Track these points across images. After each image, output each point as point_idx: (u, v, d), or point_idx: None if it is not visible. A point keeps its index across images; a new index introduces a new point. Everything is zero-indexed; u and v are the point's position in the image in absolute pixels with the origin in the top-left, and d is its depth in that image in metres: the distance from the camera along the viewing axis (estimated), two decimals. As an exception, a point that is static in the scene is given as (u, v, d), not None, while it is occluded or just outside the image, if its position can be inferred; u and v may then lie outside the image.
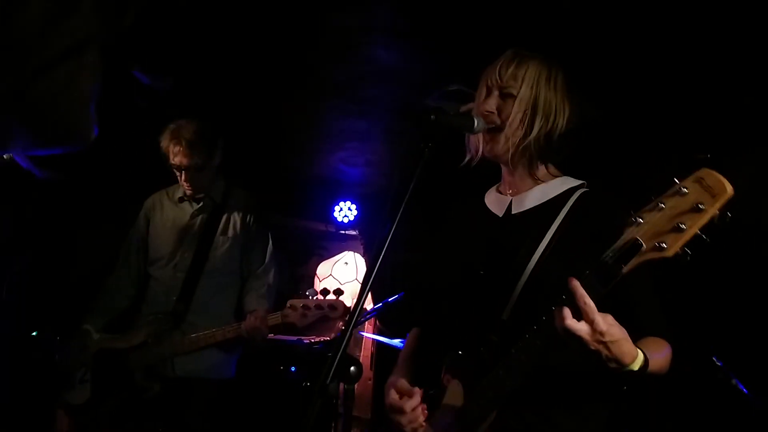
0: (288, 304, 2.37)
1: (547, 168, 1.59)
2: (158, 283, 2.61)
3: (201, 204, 2.67)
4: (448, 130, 1.55)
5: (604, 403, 1.49)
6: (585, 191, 1.54)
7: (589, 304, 1.16)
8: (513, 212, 1.58)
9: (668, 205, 1.15)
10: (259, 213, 2.72)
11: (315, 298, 2.36)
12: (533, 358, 1.27)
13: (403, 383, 1.48)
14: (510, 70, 1.52)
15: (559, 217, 1.48)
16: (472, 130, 1.49)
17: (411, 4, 2.57)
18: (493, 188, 1.72)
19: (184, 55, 2.63)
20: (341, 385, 3.55)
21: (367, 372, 5.05)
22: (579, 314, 1.17)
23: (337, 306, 2.37)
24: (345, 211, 5.32)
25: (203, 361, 2.51)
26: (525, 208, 1.56)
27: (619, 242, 1.18)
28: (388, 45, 2.90)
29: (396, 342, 3.83)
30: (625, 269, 1.17)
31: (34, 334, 2.62)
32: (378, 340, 4.54)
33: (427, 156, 1.31)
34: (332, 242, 5.61)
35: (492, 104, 1.52)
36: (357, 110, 3.67)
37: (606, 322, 1.17)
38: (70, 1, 0.47)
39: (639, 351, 1.24)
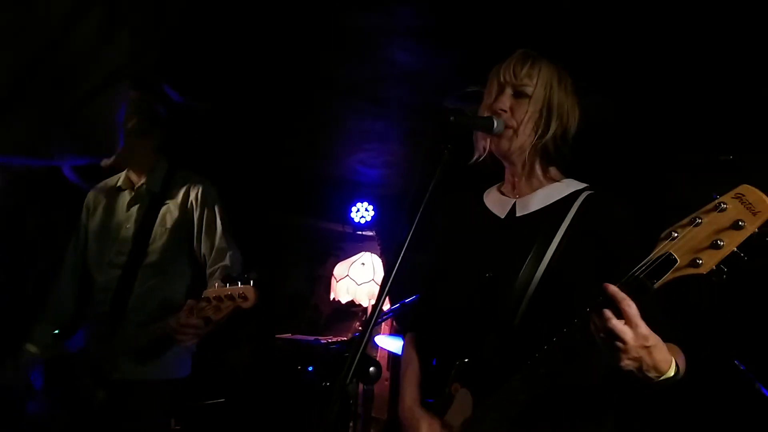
0: (203, 295, 2.14)
1: (552, 170, 1.58)
2: (97, 282, 2.45)
3: (135, 194, 2.48)
4: (467, 132, 1.56)
5: (612, 409, 1.47)
6: (590, 194, 1.52)
7: (633, 307, 1.13)
8: (517, 215, 1.56)
9: (706, 221, 1.13)
10: (205, 196, 2.47)
11: (227, 286, 2.13)
12: (554, 369, 1.24)
13: (439, 428, 1.43)
14: (525, 69, 1.51)
15: (565, 220, 1.46)
16: (491, 131, 1.49)
17: (430, 5, 2.57)
18: (494, 188, 1.69)
19: (215, 68, 2.63)
20: (360, 386, 3.55)
21: (384, 372, 5.06)
22: (620, 318, 1.14)
23: (247, 294, 2.11)
24: (362, 212, 5.34)
25: (151, 362, 2.34)
26: (529, 211, 1.54)
27: (652, 256, 1.16)
28: (407, 46, 2.90)
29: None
30: (657, 284, 1.14)
31: (56, 332, 2.60)
32: (391, 353, 4.52)
33: (446, 158, 1.31)
34: (349, 243, 5.64)
35: (505, 102, 1.50)
36: (375, 111, 3.67)
37: (646, 326, 1.14)
38: (109, 33, 0.51)
39: (671, 357, 1.21)
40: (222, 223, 2.47)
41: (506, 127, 1.50)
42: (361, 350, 1.08)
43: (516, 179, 1.60)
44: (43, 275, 2.78)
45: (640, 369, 1.16)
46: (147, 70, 0.56)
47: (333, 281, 5.03)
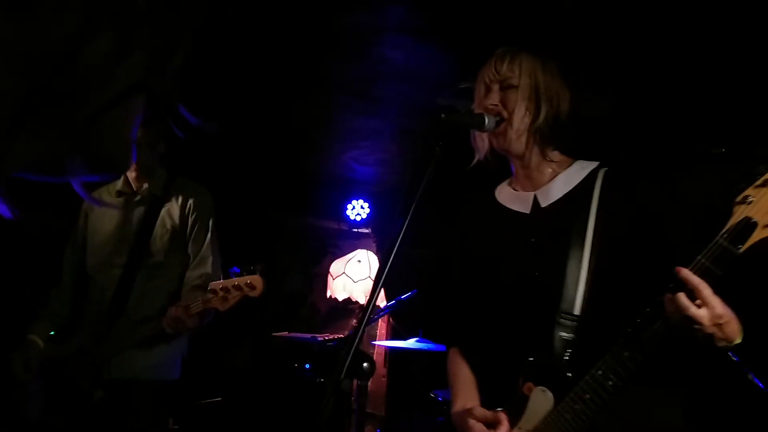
0: (209, 288, 2.24)
1: (556, 154, 1.59)
2: (97, 282, 2.49)
3: (139, 197, 2.53)
4: (458, 129, 1.57)
5: (683, 387, 1.48)
6: (607, 170, 1.53)
7: (707, 288, 1.18)
8: (542, 206, 1.55)
9: None
10: (201, 204, 2.55)
11: (234, 278, 2.24)
12: (641, 352, 1.25)
13: (484, 411, 1.43)
14: (506, 65, 1.54)
15: (593, 201, 1.47)
16: (483, 127, 1.50)
17: (423, 4, 2.58)
18: (504, 186, 1.69)
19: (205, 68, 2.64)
20: (354, 382, 3.56)
21: (381, 369, 5.07)
22: (694, 300, 1.18)
23: (255, 284, 2.23)
24: (357, 210, 5.34)
25: (141, 361, 2.38)
26: (553, 200, 1.54)
27: (731, 223, 1.19)
28: (400, 44, 2.90)
29: (410, 343, 3.83)
30: (742, 249, 1.18)
31: (51, 333, 2.61)
32: (390, 347, 4.55)
33: (437, 155, 1.31)
34: (345, 240, 5.64)
35: (495, 98, 1.53)
36: (369, 109, 3.68)
37: (720, 304, 1.19)
38: (126, 46, 0.50)
39: (739, 326, 1.25)
40: (211, 233, 2.54)
41: (500, 120, 1.52)
42: (354, 346, 1.09)
43: (526, 171, 1.60)
44: (40, 277, 2.79)
45: (711, 341, 1.22)
46: (165, 86, 0.56)
47: (329, 279, 5.04)
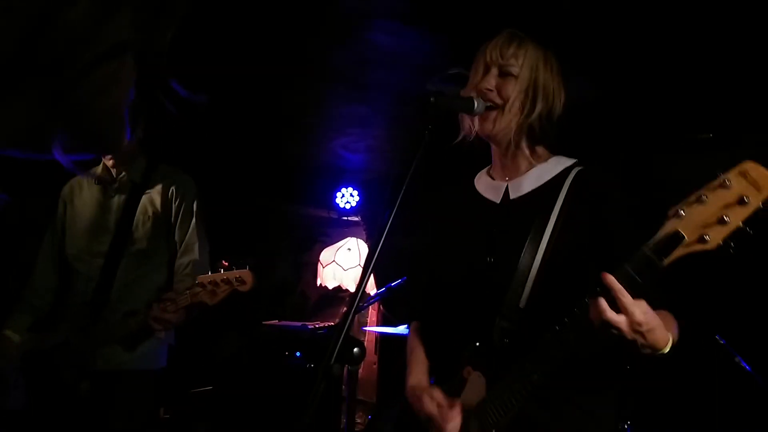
0: (197, 281, 2.20)
1: (540, 149, 1.59)
2: (79, 272, 2.44)
3: (118, 184, 2.48)
4: (448, 113, 1.56)
5: (616, 381, 1.52)
6: (580, 170, 1.54)
7: (627, 296, 1.17)
8: (511, 197, 1.57)
9: (711, 198, 1.15)
10: (183, 189, 2.51)
11: (222, 271, 2.21)
12: (564, 351, 1.27)
13: (442, 397, 1.47)
14: (511, 50, 1.51)
15: (559, 199, 1.48)
16: (472, 111, 1.49)
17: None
18: (483, 172, 1.70)
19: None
20: (345, 368, 3.56)
21: (372, 356, 5.09)
22: (615, 306, 1.18)
23: (245, 278, 2.19)
24: (347, 197, 5.33)
25: (127, 352, 2.34)
26: (523, 193, 1.56)
27: (660, 234, 1.18)
28: (389, 30, 2.88)
29: (401, 329, 3.85)
30: (666, 261, 1.17)
31: (30, 325, 2.57)
32: (382, 333, 4.57)
33: (427, 139, 1.31)
34: (335, 228, 5.64)
35: (491, 82, 1.51)
36: (358, 96, 3.66)
37: (642, 312, 1.19)
38: (113, 4, 0.47)
39: (669, 334, 1.26)
40: (196, 218, 2.51)
41: (491, 106, 1.51)
42: (344, 331, 1.08)
43: (504, 160, 1.60)
44: (24, 268, 2.75)
45: (635, 348, 1.22)
46: (155, 49, 0.51)
47: (319, 267, 5.03)
